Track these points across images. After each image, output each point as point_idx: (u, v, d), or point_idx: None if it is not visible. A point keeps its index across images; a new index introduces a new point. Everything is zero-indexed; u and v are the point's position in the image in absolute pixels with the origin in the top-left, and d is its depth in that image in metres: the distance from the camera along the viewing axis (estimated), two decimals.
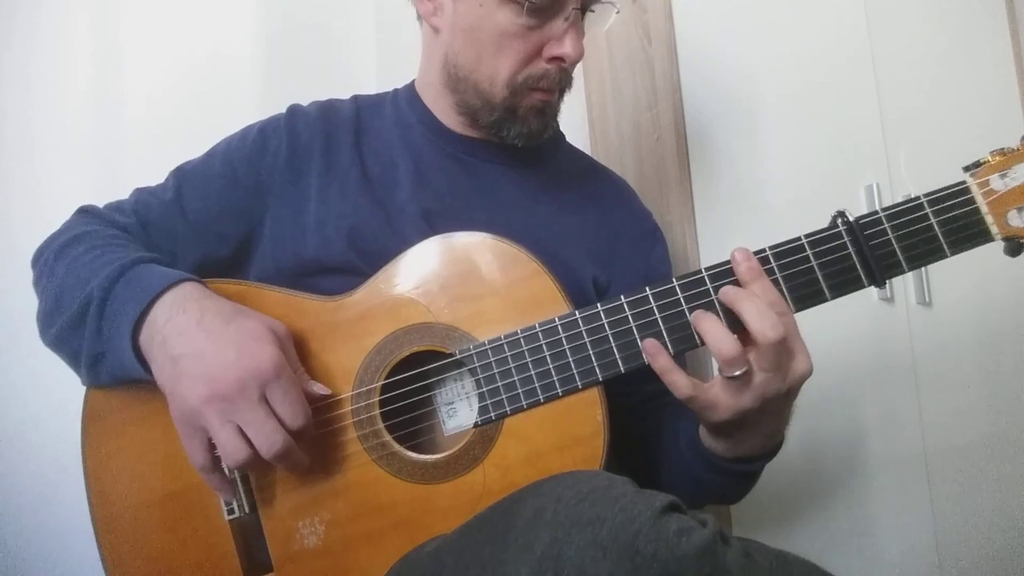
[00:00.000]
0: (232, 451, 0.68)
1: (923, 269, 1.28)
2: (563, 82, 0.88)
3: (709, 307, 0.73)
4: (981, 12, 1.45)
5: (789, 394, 0.71)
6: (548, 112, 0.89)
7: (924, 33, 1.40)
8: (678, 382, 0.71)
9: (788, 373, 0.70)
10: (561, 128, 1.04)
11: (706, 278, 0.73)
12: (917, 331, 1.29)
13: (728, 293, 0.71)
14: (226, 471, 0.74)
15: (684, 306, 0.73)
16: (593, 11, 0.86)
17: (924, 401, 1.28)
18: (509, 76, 0.84)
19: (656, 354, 0.72)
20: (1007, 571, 1.26)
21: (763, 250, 0.73)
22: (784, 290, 0.73)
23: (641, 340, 0.74)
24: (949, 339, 1.30)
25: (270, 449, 0.68)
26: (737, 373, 0.68)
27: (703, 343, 0.72)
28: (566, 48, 0.83)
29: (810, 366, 0.71)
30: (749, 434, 0.75)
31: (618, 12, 0.90)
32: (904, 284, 1.29)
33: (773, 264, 0.73)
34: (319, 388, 0.74)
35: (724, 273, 0.73)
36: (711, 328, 0.70)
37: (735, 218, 1.24)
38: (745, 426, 0.73)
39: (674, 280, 0.74)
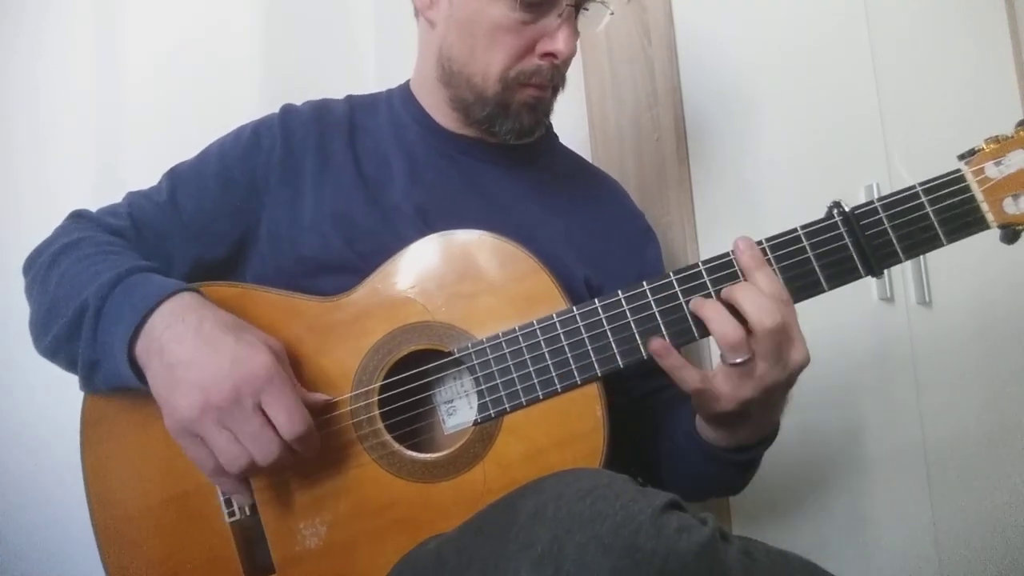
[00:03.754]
0: (232, 458, 0.68)
1: (923, 269, 1.28)
2: (555, 79, 0.87)
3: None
4: (981, 12, 1.45)
5: (788, 383, 0.72)
6: (540, 109, 0.89)
7: (924, 33, 1.39)
8: (688, 377, 0.72)
9: (788, 363, 0.70)
10: (561, 128, 1.04)
11: (703, 271, 0.73)
12: (917, 331, 1.28)
13: (726, 289, 0.71)
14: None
15: (681, 299, 0.73)
16: (587, 9, 0.86)
17: (924, 400, 1.27)
18: (501, 71, 0.85)
19: (665, 354, 0.72)
20: (1006, 569, 1.26)
21: (760, 242, 0.74)
22: (781, 282, 0.72)
23: (640, 335, 0.73)
24: (949, 339, 1.30)
25: (265, 459, 0.68)
26: (739, 360, 0.68)
27: (702, 334, 0.72)
28: (559, 44, 0.83)
29: (807, 355, 0.71)
30: (747, 424, 0.75)
31: (612, 13, 0.90)
32: (904, 284, 1.29)
33: (770, 256, 0.73)
34: (316, 397, 0.74)
35: (721, 266, 0.73)
36: (715, 314, 0.70)
37: (735, 218, 1.24)
38: (745, 416, 0.74)
39: (671, 274, 0.74)
